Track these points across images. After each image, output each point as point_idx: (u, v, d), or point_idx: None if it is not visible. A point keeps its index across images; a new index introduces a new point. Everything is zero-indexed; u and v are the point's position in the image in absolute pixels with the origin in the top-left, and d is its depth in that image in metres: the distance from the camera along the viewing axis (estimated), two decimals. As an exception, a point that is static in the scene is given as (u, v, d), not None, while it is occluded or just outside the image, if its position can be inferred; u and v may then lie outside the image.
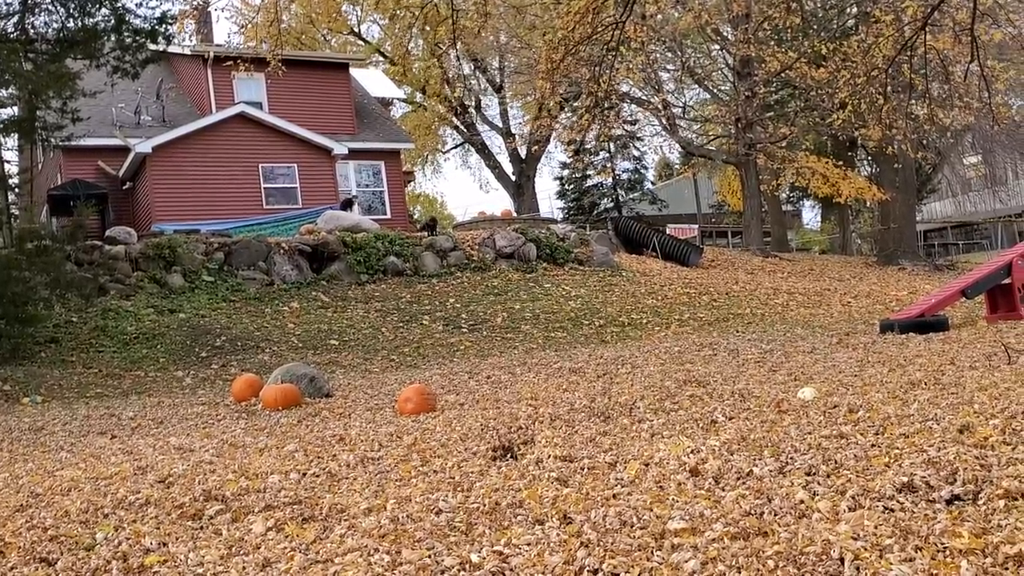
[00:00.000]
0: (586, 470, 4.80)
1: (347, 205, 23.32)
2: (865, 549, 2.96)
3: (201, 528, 4.25)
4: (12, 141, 21.41)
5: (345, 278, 18.46)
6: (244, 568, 3.46)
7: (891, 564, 2.77)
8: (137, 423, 8.65)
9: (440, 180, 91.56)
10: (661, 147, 43.21)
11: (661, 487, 4.24)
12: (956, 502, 3.45)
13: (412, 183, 38.37)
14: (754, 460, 4.50)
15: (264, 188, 23.30)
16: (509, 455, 5.46)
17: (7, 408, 11.04)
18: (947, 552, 2.84)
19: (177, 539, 4.03)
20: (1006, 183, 55.25)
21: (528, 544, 3.46)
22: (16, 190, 22.26)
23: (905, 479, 3.73)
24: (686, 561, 3.04)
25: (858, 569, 2.80)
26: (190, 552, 3.78)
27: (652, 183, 44.06)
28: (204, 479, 5.29)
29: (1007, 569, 2.63)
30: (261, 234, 19.38)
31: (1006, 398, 5.31)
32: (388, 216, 25.33)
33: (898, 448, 4.41)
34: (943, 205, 56.51)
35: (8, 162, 23.35)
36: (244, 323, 15.69)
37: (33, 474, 6.08)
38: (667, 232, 28.08)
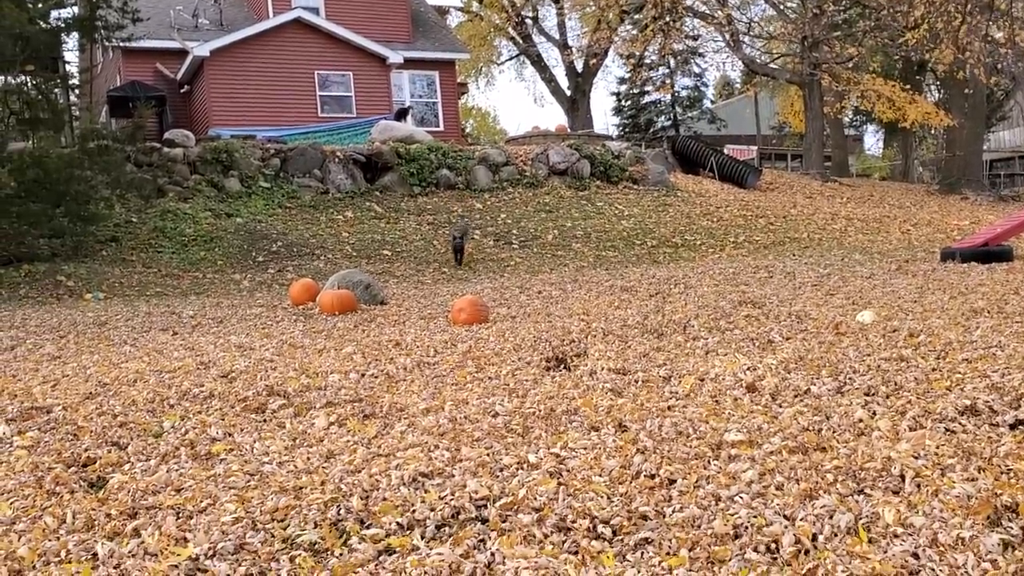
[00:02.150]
0: (640, 383, 4.83)
1: (401, 115, 23.17)
2: (926, 467, 2.95)
3: (265, 421, 4.37)
4: (72, 40, 21.50)
5: (398, 189, 18.46)
6: (309, 458, 3.56)
7: (953, 483, 2.76)
8: (197, 321, 8.86)
9: (493, 93, 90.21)
10: (723, 64, 42.13)
11: (717, 401, 4.25)
12: (1020, 427, 3.41)
13: (465, 95, 37.95)
14: (812, 379, 4.49)
15: (319, 96, 23.21)
16: (562, 366, 5.51)
17: (71, 303, 11.37)
18: (1011, 474, 2.82)
19: (242, 430, 4.16)
20: (1081, 113, 52.87)
21: (584, 448, 3.51)
22: (77, 90, 22.46)
23: (968, 402, 3.69)
24: (744, 471, 3.07)
25: (919, 486, 2.80)
26: (255, 442, 3.90)
27: (711, 102, 43.09)
28: (266, 375, 5.43)
29: (1074, 492, 2.61)
30: (316, 142, 19.38)
31: (1074, 328, 5.19)
32: (441, 128, 25.14)
33: (960, 373, 4.35)
34: (1013, 134, 54.40)
35: (68, 62, 23.52)
36: (299, 230, 15.86)
37: (100, 365, 6.29)
38: (725, 152, 27.52)
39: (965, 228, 18.42)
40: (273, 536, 2.71)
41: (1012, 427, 3.41)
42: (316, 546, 2.62)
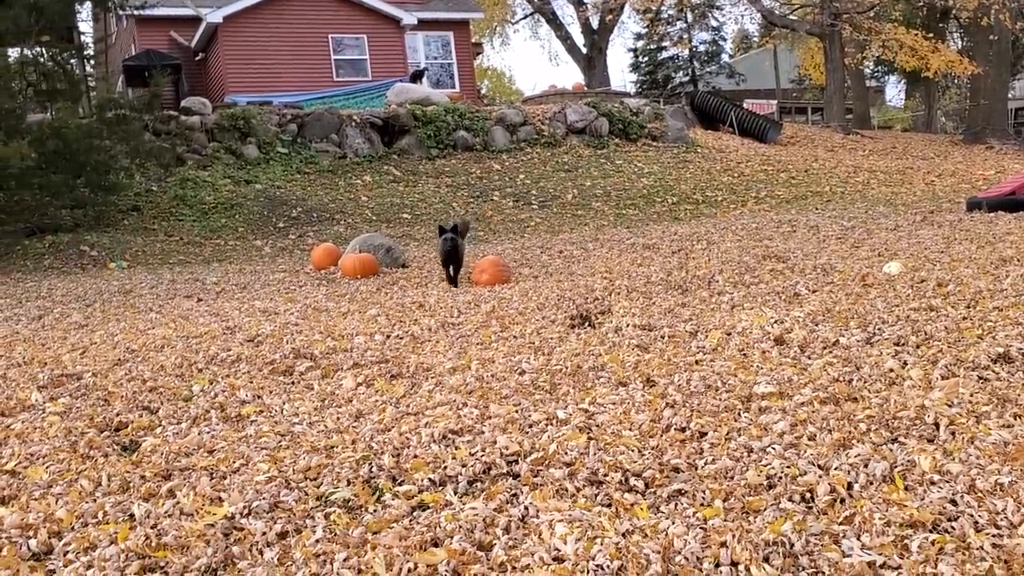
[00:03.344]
0: (666, 338, 4.80)
1: (416, 77, 23.02)
2: (960, 415, 2.92)
3: (293, 383, 4.39)
4: (86, 10, 21.46)
5: (415, 152, 18.40)
6: (339, 418, 3.58)
7: (989, 430, 2.73)
8: (221, 288, 8.90)
9: (508, 52, 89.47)
10: (740, 17, 41.42)
11: (745, 355, 4.22)
12: (1055, 373, 3.36)
13: (480, 55, 37.62)
14: (840, 331, 4.44)
15: (334, 60, 23.08)
16: (587, 323, 5.48)
17: (95, 272, 11.46)
18: (1048, 420, 2.78)
19: (271, 392, 4.18)
20: (1109, 58, 51.74)
21: (613, 403, 3.50)
22: (92, 60, 22.43)
23: (1001, 350, 3.64)
24: (775, 422, 3.05)
25: (954, 434, 2.77)
26: (284, 404, 3.92)
27: (730, 56, 42.48)
28: (292, 339, 5.45)
29: (1113, 437, 2.57)
30: (332, 106, 19.31)
31: (1108, 275, 5.11)
32: (457, 89, 24.96)
33: (991, 321, 4.30)
34: (1038, 82, 53.35)
35: (83, 32, 23.46)
36: (319, 195, 15.86)
37: (126, 332, 6.33)
38: (744, 107, 27.18)
39: (991, 178, 18.15)
40: (307, 494, 2.72)
41: (1047, 374, 3.37)
42: (350, 503, 2.63)
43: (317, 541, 2.34)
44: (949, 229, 9.15)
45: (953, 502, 2.25)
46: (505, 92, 50.62)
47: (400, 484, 2.76)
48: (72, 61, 18.55)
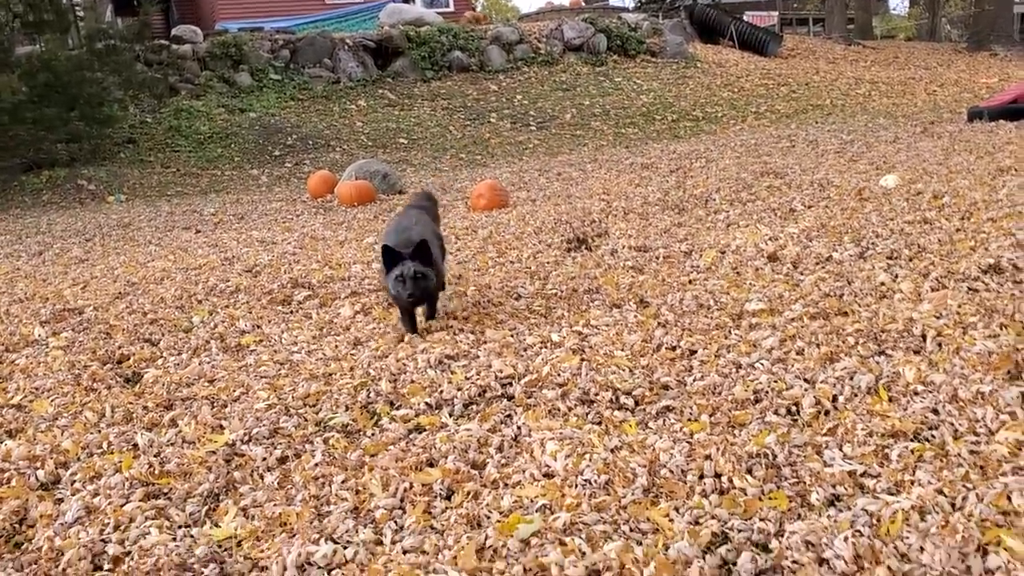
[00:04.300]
0: (661, 259, 4.83)
1: (409, -2, 22.58)
2: (948, 327, 2.95)
3: (291, 312, 4.44)
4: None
5: (410, 75, 18.14)
6: (337, 346, 3.63)
7: (975, 340, 2.77)
8: (219, 218, 8.90)
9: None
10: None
11: (738, 273, 4.26)
12: (1044, 283, 3.39)
13: (475, -26, 36.74)
14: (834, 246, 4.46)
15: (325, -18, 22.62)
16: (583, 246, 5.50)
17: (94, 206, 11.45)
18: (1033, 329, 2.82)
19: (270, 322, 4.23)
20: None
21: (606, 325, 3.54)
22: (78, -11, 21.98)
23: (991, 261, 3.66)
24: (764, 339, 3.09)
25: (940, 345, 2.81)
26: (283, 333, 3.97)
27: (729, -33, 41.41)
28: (290, 268, 5.48)
29: (1095, 344, 2.61)
30: (325, 30, 18.96)
31: (1103, 183, 5.09)
32: (451, 8, 24.46)
33: (985, 232, 4.31)
34: (1046, -15, 52.11)
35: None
36: (313, 122, 15.71)
37: (127, 265, 6.37)
38: (745, 20, 26.63)
39: (994, 86, 17.89)
40: (306, 420, 2.79)
41: (1036, 283, 3.39)
42: (348, 428, 2.69)
43: (316, 465, 2.41)
44: (949, 140, 9.08)
45: (935, 411, 2.30)
46: (502, 10, 49.57)
47: (397, 408, 2.82)
48: (58, -10, 18.15)
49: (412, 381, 3.03)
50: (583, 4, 27.16)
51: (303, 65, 17.52)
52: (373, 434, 2.62)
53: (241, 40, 17.15)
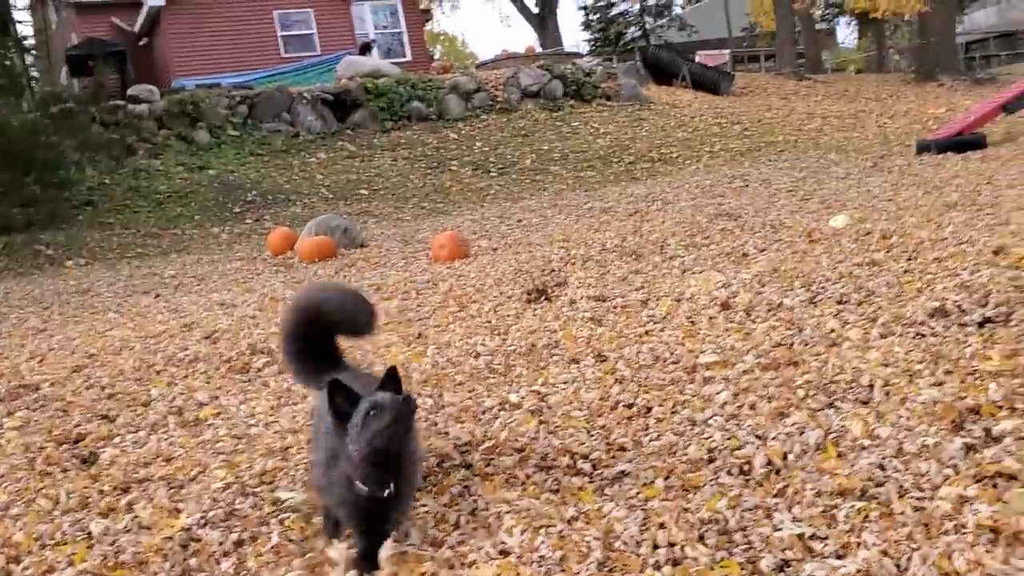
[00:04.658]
0: (619, 308, 4.88)
1: (365, 49, 22.78)
2: (895, 375, 3.01)
3: (249, 381, 4.42)
4: (22, 2, 20.94)
5: (369, 126, 18.27)
6: (294, 417, 3.62)
7: (920, 389, 2.82)
8: (179, 281, 8.85)
9: (459, 17, 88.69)
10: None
11: (692, 322, 4.31)
12: (988, 325, 3.47)
13: (430, 22, 37.23)
14: (785, 291, 4.54)
15: (281, 36, 22.77)
16: (543, 297, 5.55)
17: (53, 271, 11.33)
18: (976, 375, 2.88)
19: (228, 392, 4.20)
20: (1055, -14, 52.29)
21: (564, 383, 3.57)
22: (33, 52, 21.97)
23: (937, 304, 3.74)
24: (718, 393, 3.13)
25: (888, 394, 2.86)
26: (241, 404, 3.95)
27: (681, 7, 42.32)
28: (249, 333, 5.46)
29: (1035, 389, 2.67)
30: (282, 84, 19.07)
31: (1043, 217, 5.24)
32: (408, 58, 24.73)
33: (931, 273, 4.41)
34: (986, 14, 53.76)
35: (21, 22, 22.92)
36: (273, 176, 15.73)
37: (85, 335, 6.30)
38: (697, 59, 27.18)
39: (942, 116, 18.36)
40: (263, 500, 2.77)
41: (980, 325, 3.47)
42: (303, 507, 2.68)
43: (272, 548, 2.39)
44: (898, 175, 9.30)
45: (881, 467, 2.34)
46: (460, 57, 50.18)
47: (355, 482, 2.81)
48: (11, 54, 18.11)
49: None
50: (538, 50, 27.59)
51: (261, 120, 17.59)
52: (330, 513, 2.60)
53: (198, 97, 17.20)
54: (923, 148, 11.46)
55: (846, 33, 47.88)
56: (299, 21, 23.13)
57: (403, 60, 23.94)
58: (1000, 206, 6.06)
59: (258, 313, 6.23)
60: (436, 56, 35.42)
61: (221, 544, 2.48)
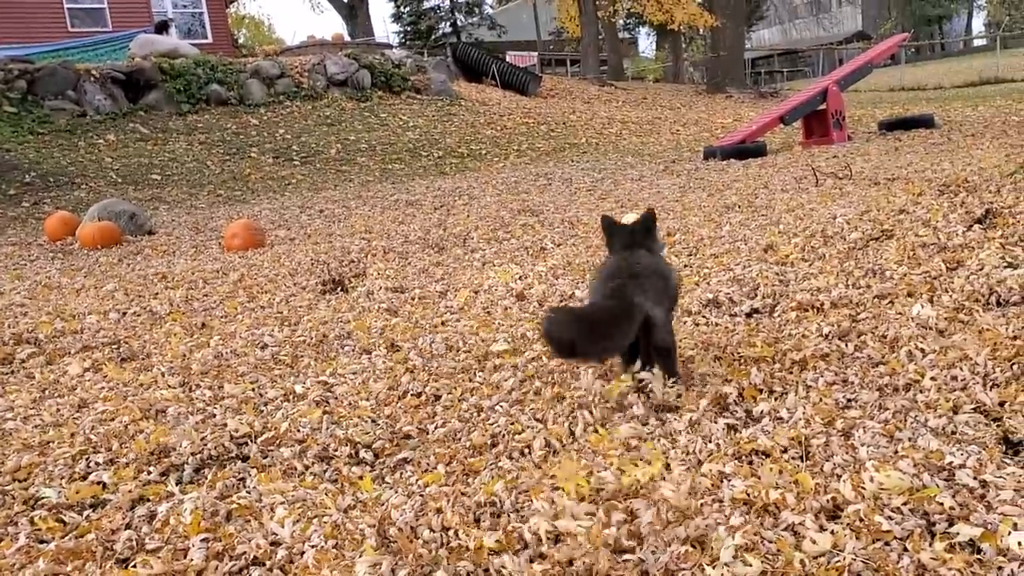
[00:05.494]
0: (417, 300, 4.86)
1: (162, 28, 21.58)
2: (671, 361, 3.15)
3: (12, 372, 4.06)
4: None
5: (165, 108, 17.29)
6: (58, 410, 3.35)
7: (691, 373, 2.97)
8: (-63, 267, 8.02)
9: (265, 0, 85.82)
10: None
11: (488, 312, 4.35)
12: (755, 315, 3.71)
13: (235, 4, 35.79)
14: (577, 283, 4.68)
15: (67, 8, 21.21)
16: (340, 288, 5.44)
17: None
18: (742, 360, 3.07)
19: (-16, 385, 3.83)
20: (830, 11, 57.24)
21: (354, 373, 3.50)
22: None
23: (711, 296, 3.97)
24: (506, 380, 3.17)
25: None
26: (-1, 397, 3.62)
27: (491, 7, 42.94)
28: (15, 322, 5.02)
29: (791, 373, 2.88)
30: (68, 60, 17.68)
31: (809, 218, 5.68)
32: (210, 40, 23.69)
33: (708, 267, 4.67)
34: (771, 33, 58.13)
35: None
36: (55, 157, 14.56)
37: None
38: (506, 60, 27.64)
39: (728, 126, 19.58)
40: (13, 499, 2.53)
41: (748, 315, 3.71)
42: (60, 505, 2.47)
43: (17, 551, 2.18)
44: (686, 178, 9.82)
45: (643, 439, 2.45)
46: (265, 41, 48.51)
47: (120, 479, 2.62)
48: None
49: (141, 446, 2.84)
50: (347, 39, 27.13)
51: (43, 97, 16.25)
52: (86, 512, 2.41)
53: (-32, 68, 15.67)
54: (710, 154, 12.18)
55: (647, 43, 50.31)
56: (88, -7, 21.63)
57: (204, 42, 22.92)
58: (773, 208, 6.52)
59: (28, 301, 5.75)
60: (240, 40, 34.04)
61: (-40, 548, 2.24)
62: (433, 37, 35.20)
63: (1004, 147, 8.96)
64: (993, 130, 11.69)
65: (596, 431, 2.54)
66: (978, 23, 59.36)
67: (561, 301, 4.37)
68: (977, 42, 48.41)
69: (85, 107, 16.49)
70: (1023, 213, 4.50)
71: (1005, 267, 3.60)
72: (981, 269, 3.65)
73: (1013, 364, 2.61)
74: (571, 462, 2.25)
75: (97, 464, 2.72)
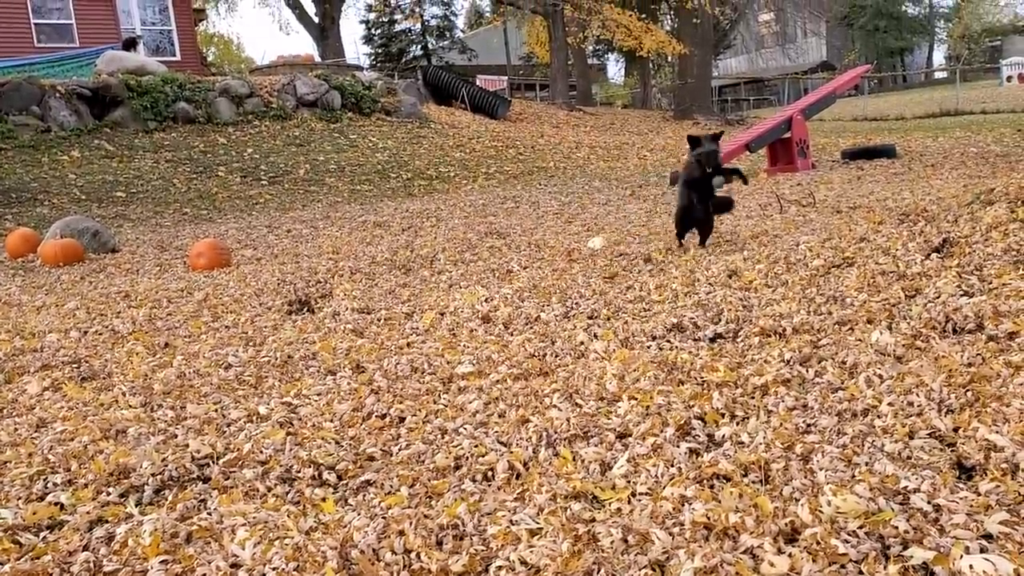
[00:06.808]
0: (383, 321, 4.86)
1: (130, 45, 21.42)
2: (636, 382, 3.18)
3: (-31, 392, 3.99)
4: None
5: (131, 125, 17.15)
6: (16, 429, 3.29)
7: (652, 397, 2.99)
8: None
9: (236, 20, 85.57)
10: (470, -7, 42.16)
11: (454, 334, 4.36)
12: (718, 340, 3.75)
13: (204, 22, 35.68)
14: (542, 306, 4.70)
15: (34, 24, 21.00)
16: (306, 309, 5.42)
17: None
18: (704, 384, 3.10)
19: (-61, 404, 3.76)
20: (796, 41, 58.29)
21: (318, 394, 3.49)
22: None
23: (675, 320, 4.01)
24: (470, 402, 3.17)
25: (628, 399, 3.01)
26: (-47, 417, 3.55)
27: (462, 32, 43.18)
28: (-29, 341, 4.94)
29: (752, 398, 2.91)
30: (33, 75, 17.50)
31: (773, 245, 5.76)
32: (178, 58, 23.56)
33: (673, 292, 4.72)
34: (738, 61, 59.01)
35: None
36: (18, 173, 14.37)
37: None
38: (476, 84, 27.80)
39: (695, 152, 19.79)
40: (-33, 521, 2.49)
41: (711, 340, 3.75)
42: (16, 527, 2.43)
43: (-31, 574, 2.15)
44: (652, 203, 9.93)
45: (609, 467, 2.46)
46: (235, 61, 48.38)
47: (78, 500, 2.59)
48: None
49: (101, 467, 2.80)
50: (317, 60, 27.15)
51: (7, 112, 16.05)
52: (43, 533, 2.38)
53: (-70, 82, 15.46)
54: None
55: (615, 69, 50.84)
56: (56, 9, 21.47)
57: (172, 59, 22.80)
58: (738, 234, 6.61)
59: (-15, 319, 5.65)
60: (210, 58, 33.91)
61: (-91, 572, 2.19)
62: (404, 60, 35.28)
63: (962, 177, 9.16)
64: (952, 160, 11.95)
65: (558, 455, 2.55)
66: (939, 56, 60.72)
67: (526, 324, 4.39)
68: (938, 75, 49.49)
69: (50, 123, 16.32)
70: (979, 243, 4.59)
71: (961, 295, 3.68)
72: (938, 297, 3.72)
73: (967, 391, 2.67)
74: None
75: (55, 485, 2.69)
